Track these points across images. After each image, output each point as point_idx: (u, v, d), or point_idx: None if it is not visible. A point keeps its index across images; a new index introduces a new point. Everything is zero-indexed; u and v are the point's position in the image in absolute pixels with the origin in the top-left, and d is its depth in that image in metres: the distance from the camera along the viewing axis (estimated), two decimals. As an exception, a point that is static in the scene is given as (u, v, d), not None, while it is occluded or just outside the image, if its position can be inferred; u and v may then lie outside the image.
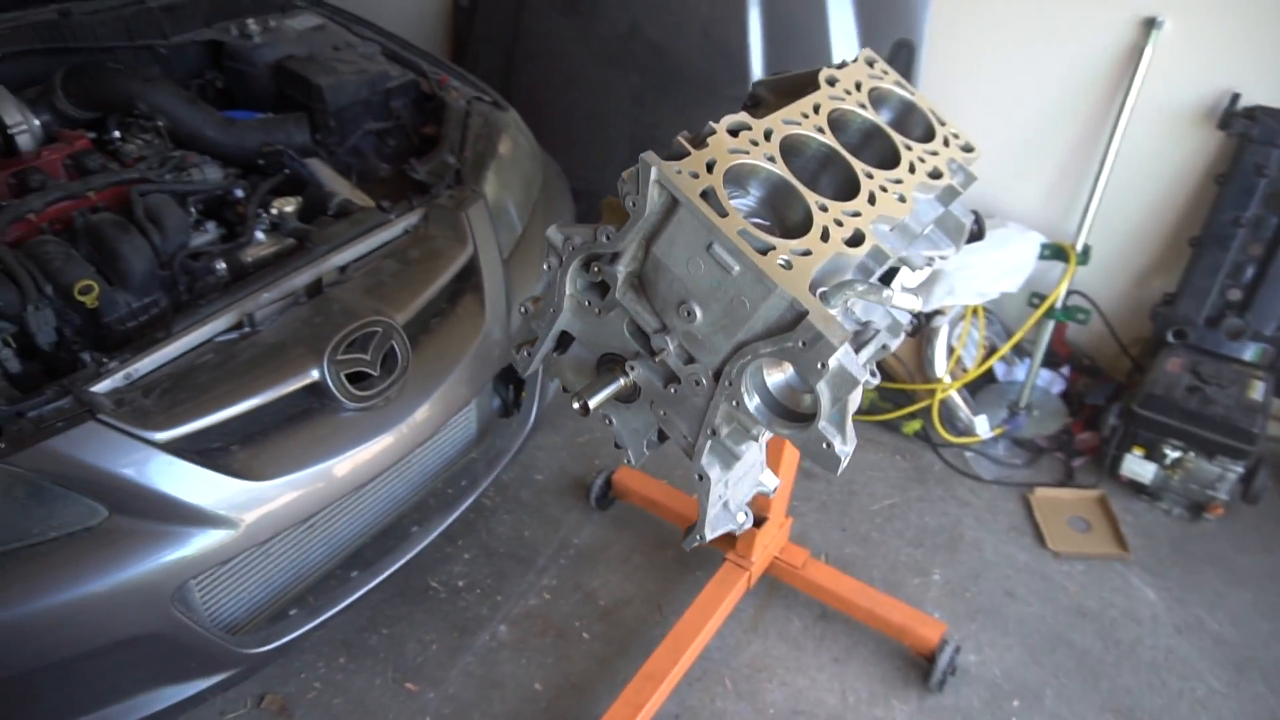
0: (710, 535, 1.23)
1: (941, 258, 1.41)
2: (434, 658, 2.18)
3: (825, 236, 1.04)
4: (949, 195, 1.27)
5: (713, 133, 1.08)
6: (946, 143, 1.32)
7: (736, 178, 1.09)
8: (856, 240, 1.07)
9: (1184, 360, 2.64)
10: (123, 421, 1.55)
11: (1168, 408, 2.52)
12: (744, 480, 1.29)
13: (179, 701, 1.76)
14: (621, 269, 1.09)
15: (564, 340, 1.25)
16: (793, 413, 1.06)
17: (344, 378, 1.78)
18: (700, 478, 1.17)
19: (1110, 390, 2.85)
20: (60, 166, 2.07)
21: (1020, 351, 2.94)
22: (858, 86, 1.30)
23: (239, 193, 2.19)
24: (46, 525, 1.52)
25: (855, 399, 1.02)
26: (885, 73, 1.37)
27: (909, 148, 1.26)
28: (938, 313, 2.76)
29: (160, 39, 2.51)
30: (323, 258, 1.94)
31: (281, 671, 2.13)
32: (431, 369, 1.93)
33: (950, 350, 2.77)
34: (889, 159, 1.24)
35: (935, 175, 1.25)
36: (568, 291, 1.16)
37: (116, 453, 1.54)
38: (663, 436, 1.24)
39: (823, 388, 0.98)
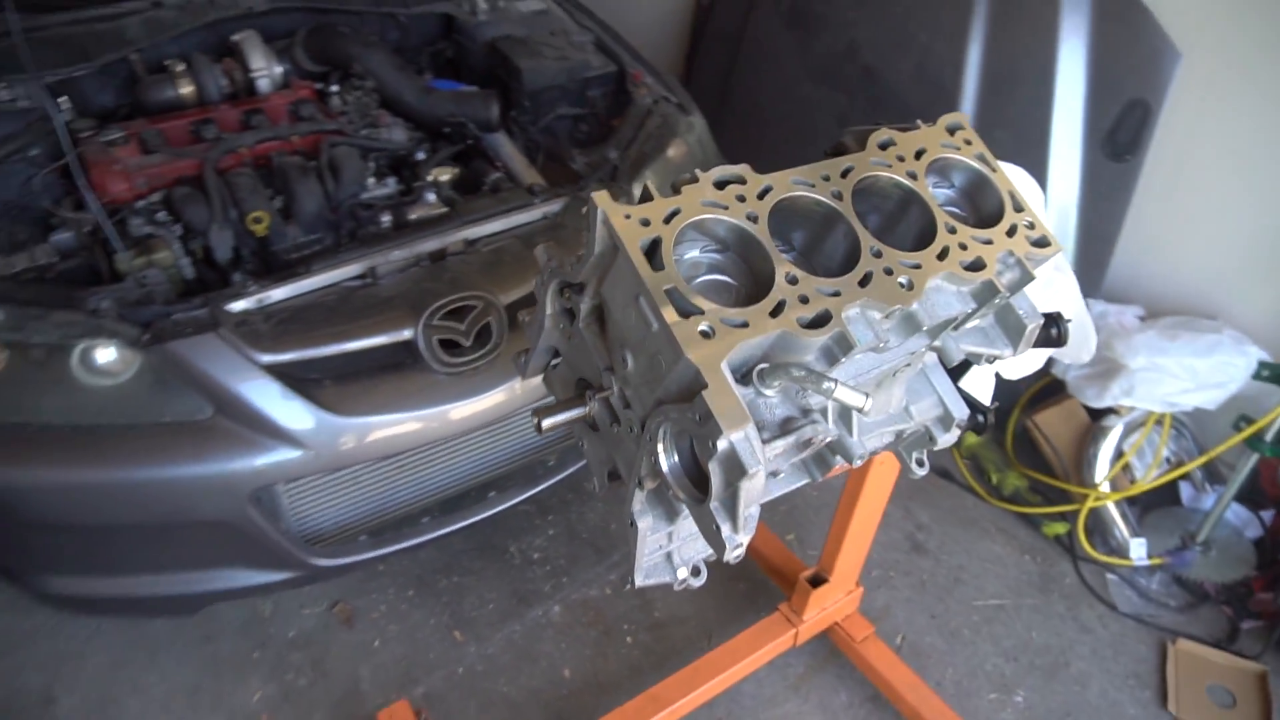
0: (641, 582, 1.21)
1: (994, 358, 1.26)
2: (487, 616, 2.30)
3: (776, 311, 0.97)
4: (986, 292, 1.12)
5: (693, 181, 1.04)
6: (1013, 232, 1.16)
7: (712, 234, 1.04)
8: (820, 322, 0.98)
9: None
10: (237, 339, 1.79)
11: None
12: (699, 537, 1.24)
13: (251, 586, 2.01)
14: (585, 301, 1.09)
15: (559, 353, 1.28)
16: (704, 483, 1.01)
17: (437, 342, 1.91)
18: (631, 524, 1.14)
19: (1321, 553, 2.36)
20: (283, 110, 2.39)
21: (1216, 478, 2.51)
22: (918, 154, 1.18)
23: (420, 155, 2.41)
24: (163, 410, 1.79)
25: (753, 490, 0.95)
26: (968, 142, 1.23)
27: (953, 230, 1.13)
28: (1111, 411, 2.42)
29: (401, 7, 2.79)
30: (456, 228, 2.09)
31: (358, 587, 2.36)
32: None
33: (1118, 455, 2.43)
34: (927, 237, 1.13)
35: (975, 267, 1.11)
36: (548, 310, 1.17)
37: (225, 364, 1.78)
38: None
39: (714, 468, 0.93)
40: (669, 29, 3.74)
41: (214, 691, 2.13)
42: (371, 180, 2.28)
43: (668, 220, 1.00)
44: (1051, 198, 2.53)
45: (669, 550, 1.22)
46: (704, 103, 3.43)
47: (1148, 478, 2.42)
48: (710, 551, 1.27)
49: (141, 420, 1.78)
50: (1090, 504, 2.42)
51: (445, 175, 2.27)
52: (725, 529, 0.97)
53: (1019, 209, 1.19)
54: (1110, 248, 2.55)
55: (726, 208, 1.03)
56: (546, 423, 1.17)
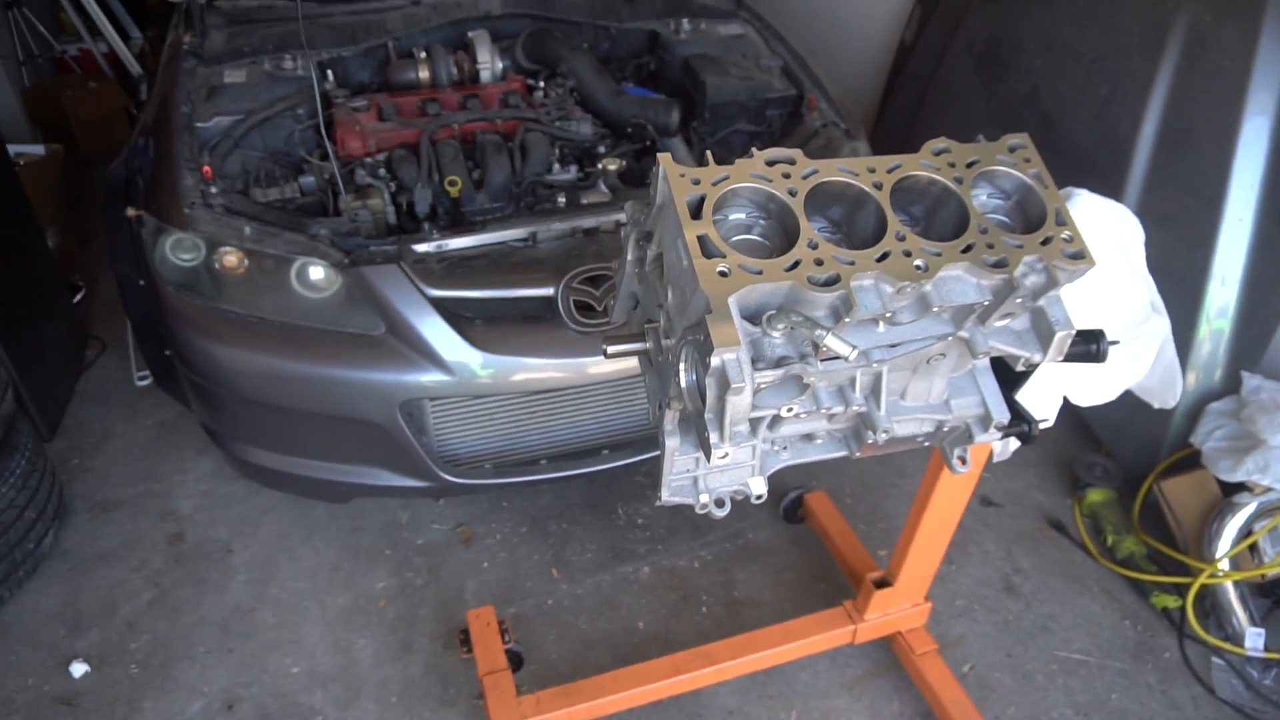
0: (666, 498, 1.40)
1: (1030, 362, 1.35)
2: (583, 563, 2.55)
3: (792, 267, 1.15)
4: (1005, 288, 1.23)
5: (749, 156, 1.24)
6: (1048, 241, 1.26)
7: (754, 201, 1.23)
8: (829, 283, 1.15)
9: None
10: (412, 273, 2.16)
11: None
12: (726, 472, 1.42)
13: (390, 486, 2.38)
14: (653, 247, 1.31)
15: (638, 301, 1.50)
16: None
17: (573, 303, 2.20)
18: (660, 441, 1.34)
19: None
20: (496, 98, 2.79)
21: (1366, 585, 2.30)
22: (970, 164, 1.31)
23: (601, 149, 2.73)
24: (350, 322, 2.19)
25: (739, 405, 1.13)
26: (1027, 160, 1.34)
27: (984, 230, 1.24)
28: (1244, 488, 2.30)
29: (615, 21, 3.15)
30: (611, 210, 2.37)
31: (482, 515, 2.68)
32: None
33: (1245, 535, 2.30)
34: (960, 233, 1.25)
35: (999, 265, 1.23)
36: (628, 257, 1.41)
37: (400, 291, 2.15)
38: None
39: (710, 383, 1.12)
40: (872, 67, 3.88)
41: (349, 572, 2.52)
42: (556, 165, 2.62)
43: (716, 184, 1.20)
44: (1217, 263, 2.44)
45: (696, 475, 1.41)
46: (890, 138, 3.57)
47: (1274, 563, 2.27)
48: (737, 487, 1.45)
49: (332, 327, 2.18)
50: (1205, 579, 2.31)
51: (613, 165, 2.56)
52: (714, 437, 1.16)
53: (1062, 223, 1.28)
54: (1275, 321, 2.42)
55: (770, 181, 1.23)
56: (611, 349, 1.40)
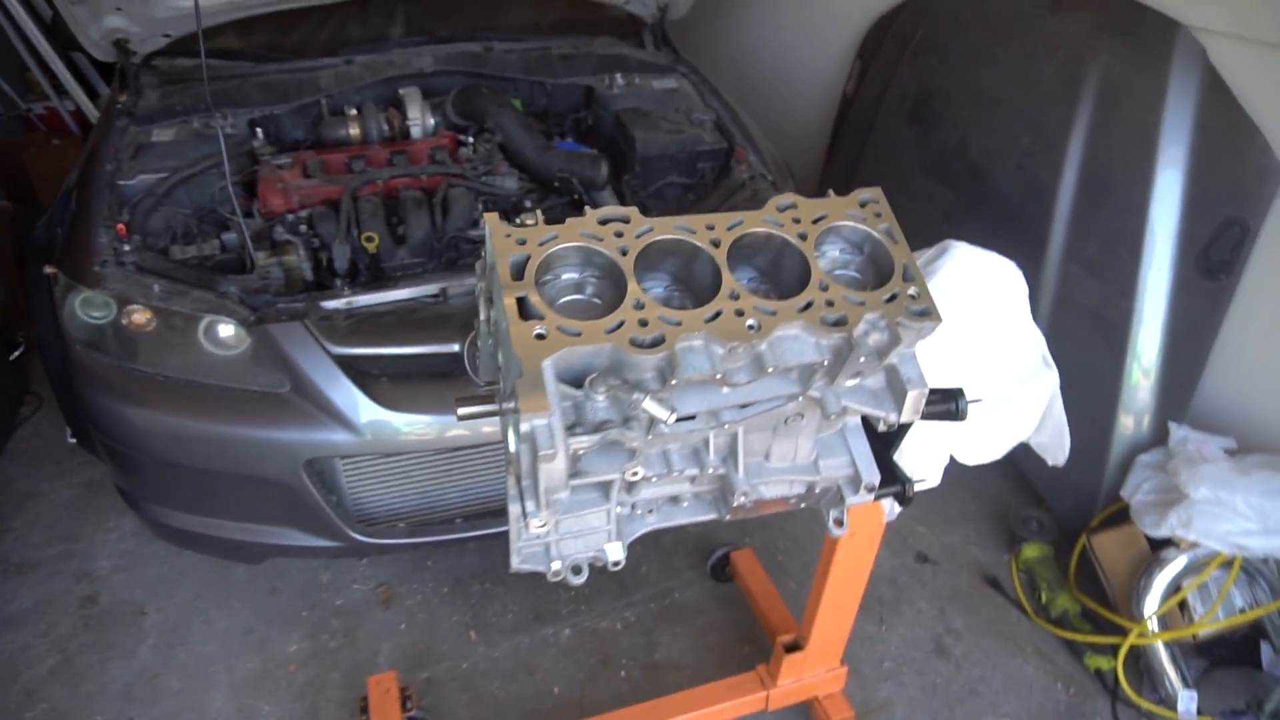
0: (516, 565, 1.35)
1: (888, 422, 1.31)
2: (503, 624, 2.48)
3: (616, 328, 1.12)
4: (844, 348, 1.20)
5: (580, 215, 1.22)
6: (893, 299, 1.23)
7: (590, 262, 1.21)
8: (653, 344, 1.12)
9: None
10: (317, 330, 2.14)
11: None
12: (581, 537, 1.37)
13: (301, 546, 2.32)
14: (493, 308, 1.28)
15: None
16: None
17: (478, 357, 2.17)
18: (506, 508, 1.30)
19: None
20: (424, 154, 2.80)
21: (1303, 643, 2.23)
22: (817, 219, 1.29)
23: (527, 203, 2.73)
24: (256, 380, 2.15)
25: (551, 472, 1.09)
26: (878, 215, 1.32)
27: (825, 287, 1.22)
28: (1171, 543, 2.24)
29: (550, 77, 3.17)
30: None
31: (404, 575, 2.62)
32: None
33: (1174, 591, 2.24)
34: (801, 290, 1.23)
35: (839, 323, 1.20)
36: (480, 317, 1.38)
37: (303, 349, 2.12)
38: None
39: (523, 449, 1.08)
40: (817, 119, 3.91)
41: (262, 635, 2.45)
42: (482, 220, 2.61)
43: (543, 244, 1.18)
44: (1143, 310, 2.42)
45: (548, 541, 1.36)
46: (834, 187, 3.57)
47: (1203, 622, 2.20)
48: (593, 553, 1.41)
49: (238, 385, 2.15)
50: (1133, 639, 2.23)
51: (530, 220, 2.54)
52: (529, 505, 1.12)
53: (909, 279, 1.25)
54: (1199, 369, 2.39)
55: (602, 240, 1.20)
56: (461, 411, 1.37)
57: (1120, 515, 2.45)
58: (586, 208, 1.24)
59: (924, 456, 1.60)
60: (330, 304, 2.22)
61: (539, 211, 2.37)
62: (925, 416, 1.32)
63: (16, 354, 3.45)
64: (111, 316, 2.18)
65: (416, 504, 2.35)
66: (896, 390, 1.29)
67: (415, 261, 2.49)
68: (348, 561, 2.65)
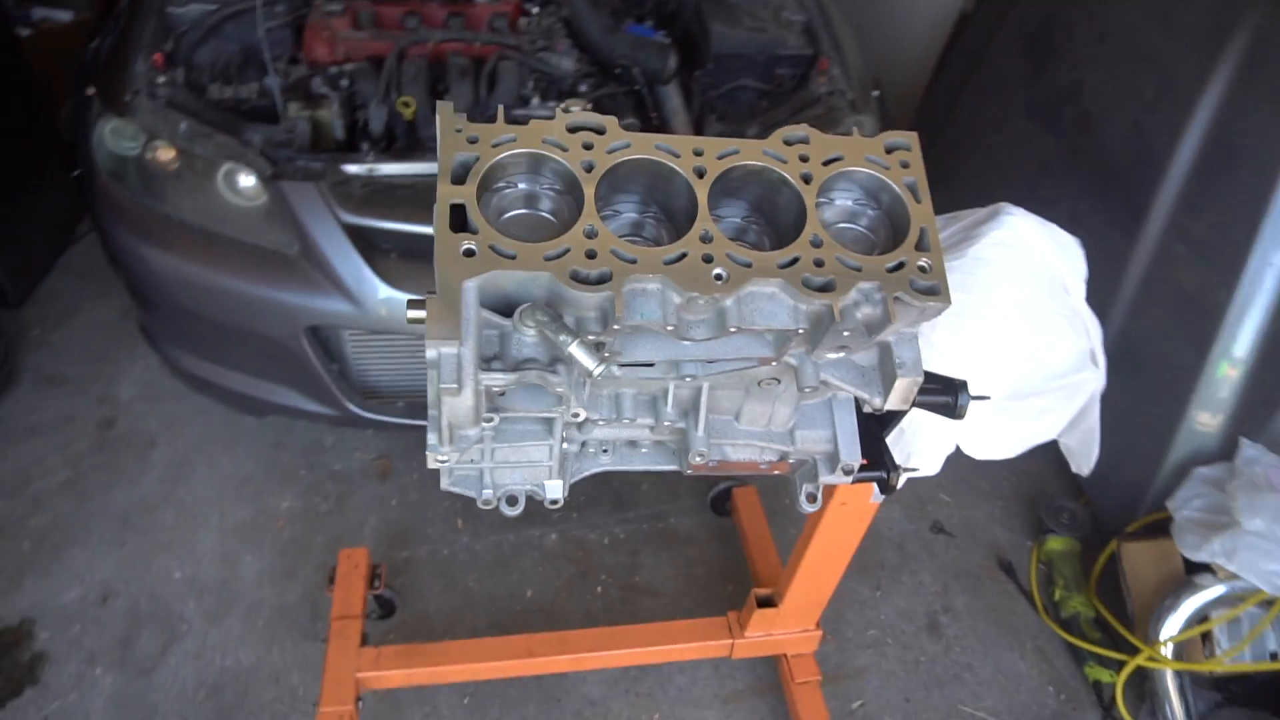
0: (445, 485, 1.26)
1: (872, 405, 1.15)
2: (491, 519, 2.45)
3: (557, 256, 0.98)
4: (824, 318, 1.03)
5: (550, 118, 1.06)
6: (898, 268, 1.05)
7: (544, 171, 1.06)
8: (597, 280, 0.98)
9: None
10: (330, 194, 2.04)
11: None
12: (518, 469, 1.27)
13: (300, 409, 2.31)
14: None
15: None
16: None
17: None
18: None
19: None
20: (482, 19, 2.62)
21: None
22: (830, 160, 1.10)
23: (583, 87, 2.54)
24: (267, 237, 2.09)
25: (455, 406, 0.98)
26: (905, 165, 1.11)
27: (819, 243, 1.04)
28: (1208, 569, 2.03)
29: (639, -47, 2.91)
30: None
31: (408, 450, 2.60)
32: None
33: (1199, 620, 2.04)
34: (787, 238, 1.06)
35: (826, 288, 1.03)
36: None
37: (314, 212, 2.04)
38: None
39: (431, 375, 0.97)
40: (928, 38, 3.54)
41: (259, 487, 2.48)
42: (537, 99, 2.44)
43: (496, 145, 1.03)
44: (1244, 302, 2.13)
45: (483, 467, 1.27)
46: (933, 118, 3.26)
47: (1223, 659, 2.01)
48: (530, 487, 1.31)
49: (249, 239, 2.09)
50: (1142, 660, 2.06)
51: (575, 106, 2.36)
52: (431, 437, 1.01)
53: (924, 248, 1.07)
54: (1290, 385, 2.11)
55: (567, 150, 1.05)
56: (410, 314, 1.26)
57: (1160, 526, 2.23)
58: (560, 109, 1.08)
59: (925, 441, 1.43)
60: (351, 168, 2.11)
61: (587, 102, 2.18)
62: (918, 406, 1.15)
63: (78, 172, 3.49)
64: (137, 150, 2.13)
65: (420, 384, 2.30)
66: (887, 372, 1.12)
67: (454, 134, 2.35)
68: (354, 429, 2.65)
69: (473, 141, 1.03)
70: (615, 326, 0.99)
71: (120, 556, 2.28)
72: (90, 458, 2.51)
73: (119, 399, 2.68)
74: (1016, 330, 1.34)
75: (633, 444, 1.35)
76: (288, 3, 2.52)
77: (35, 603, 2.17)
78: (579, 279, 0.97)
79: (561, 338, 0.96)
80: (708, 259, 1.01)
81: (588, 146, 1.05)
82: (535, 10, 2.67)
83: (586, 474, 1.37)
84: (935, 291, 1.04)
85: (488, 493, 1.27)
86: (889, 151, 1.12)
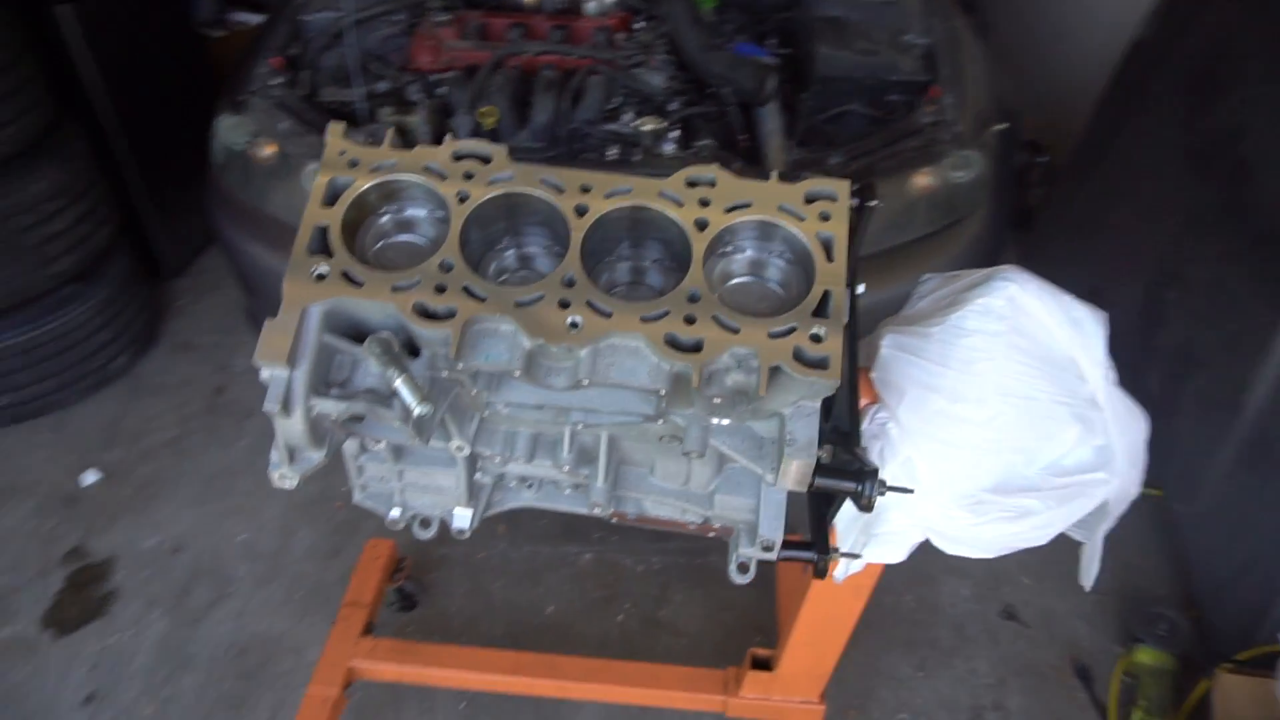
0: (358, 499, 1.27)
1: (766, 482, 1.03)
2: (533, 529, 2.45)
3: (406, 287, 0.95)
4: (681, 383, 0.92)
5: (436, 144, 1.03)
6: (783, 334, 0.93)
7: (420, 194, 1.03)
8: (438, 315, 0.94)
9: None
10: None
11: None
12: (427, 493, 1.26)
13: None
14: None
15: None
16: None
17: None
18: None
19: None
20: (587, 32, 2.62)
21: None
22: (737, 206, 0.99)
23: (675, 105, 2.49)
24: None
25: (286, 428, 0.97)
26: (824, 217, 0.98)
27: (695, 297, 0.94)
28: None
29: (759, -32, 2.82)
30: (627, 171, 2.16)
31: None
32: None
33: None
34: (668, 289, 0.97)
35: (692, 348, 0.93)
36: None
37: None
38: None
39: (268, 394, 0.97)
40: (1095, 68, 3.17)
41: (329, 466, 2.60)
42: (629, 114, 2.42)
43: (375, 170, 1.02)
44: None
45: (394, 486, 1.26)
46: (1087, 153, 2.92)
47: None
48: (442, 512, 1.29)
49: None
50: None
51: (648, 125, 2.31)
52: (273, 454, 1.01)
53: (823, 314, 0.94)
54: None
55: (445, 178, 1.01)
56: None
57: (1270, 660, 1.87)
58: (450, 135, 1.05)
59: (892, 524, 1.26)
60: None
61: (662, 119, 2.09)
62: (820, 490, 1.02)
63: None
64: (244, 145, 2.31)
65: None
66: (766, 449, 1.00)
67: (535, 146, 2.37)
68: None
69: (353, 165, 1.02)
70: (460, 366, 0.95)
71: (198, 514, 2.49)
72: (197, 419, 2.76)
73: (233, 369, 2.93)
74: (998, 414, 1.16)
75: (556, 483, 1.29)
76: (408, 12, 2.65)
77: (121, 544, 2.41)
78: (423, 312, 0.94)
79: (390, 371, 0.93)
80: (565, 304, 0.94)
81: (468, 175, 1.02)
82: (640, 24, 2.65)
83: (508, 507, 1.33)
84: (824, 365, 0.92)
85: (395, 512, 1.27)
86: (809, 201, 1.00)
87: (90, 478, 2.57)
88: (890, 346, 1.22)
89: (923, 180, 2.24)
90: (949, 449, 1.16)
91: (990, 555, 1.24)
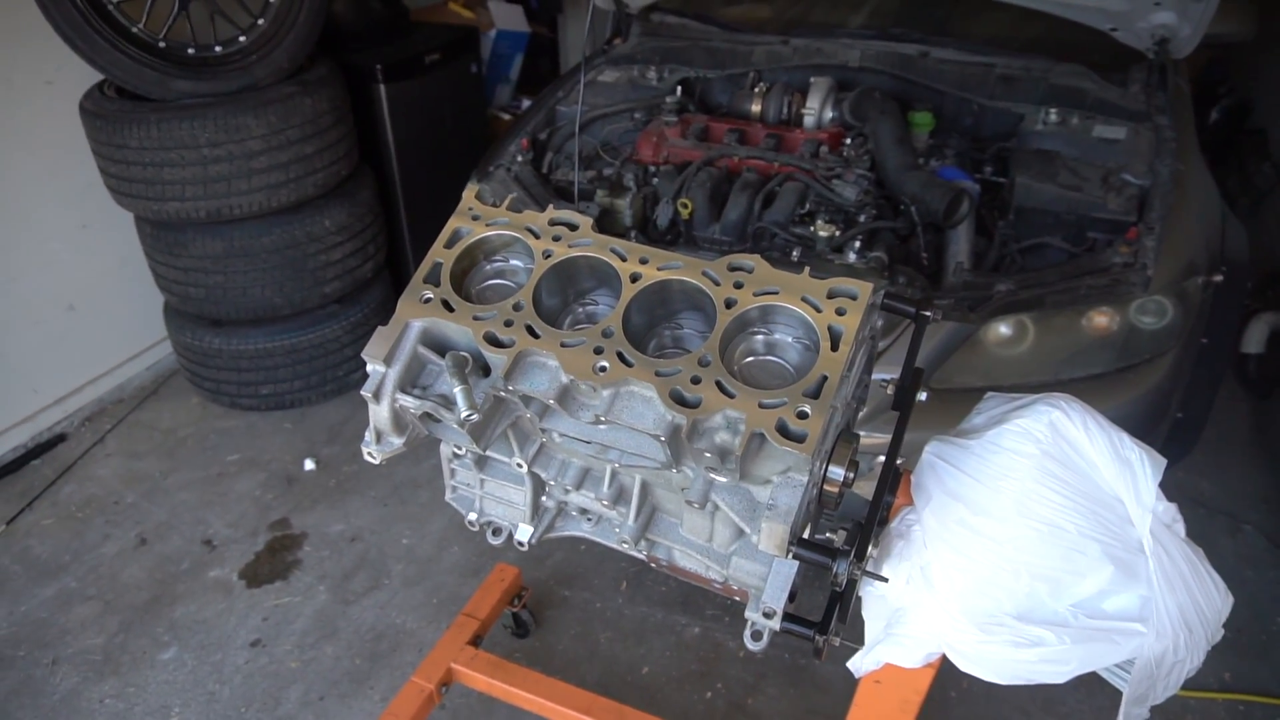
0: (449, 497, 1.49)
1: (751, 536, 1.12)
2: (653, 593, 2.57)
3: (483, 319, 1.16)
4: (674, 432, 1.04)
5: (541, 210, 1.25)
6: (771, 406, 1.03)
7: (518, 249, 1.25)
8: (500, 344, 1.14)
9: None
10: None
11: None
12: (500, 504, 1.44)
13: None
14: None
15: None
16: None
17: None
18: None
19: None
20: (798, 144, 2.82)
21: None
22: (766, 292, 1.11)
23: (863, 217, 2.59)
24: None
25: (376, 413, 1.19)
26: (840, 312, 1.07)
27: (705, 362, 1.07)
28: None
29: (984, 97, 2.88)
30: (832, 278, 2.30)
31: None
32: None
33: None
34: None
35: (690, 403, 1.05)
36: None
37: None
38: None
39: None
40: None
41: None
42: (821, 219, 2.56)
43: (490, 225, 1.25)
44: None
45: (478, 494, 1.46)
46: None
47: None
48: (503, 517, 1.47)
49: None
50: None
51: (824, 231, 2.42)
52: (368, 434, 1.25)
53: (811, 395, 1.04)
54: None
55: (538, 237, 1.22)
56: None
57: None
58: (554, 204, 1.26)
59: (913, 628, 1.27)
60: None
61: (836, 228, 2.22)
62: (798, 559, 1.09)
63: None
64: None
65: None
66: (751, 513, 1.09)
67: (724, 239, 2.58)
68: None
69: (475, 218, 1.27)
70: (510, 387, 1.14)
71: (379, 513, 2.87)
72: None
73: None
74: (1018, 535, 1.14)
75: (609, 520, 1.43)
76: (647, 111, 3.00)
77: (315, 524, 2.84)
78: (490, 340, 1.15)
79: (453, 380, 1.14)
80: (599, 350, 1.11)
81: (556, 239, 1.22)
82: (850, 140, 2.79)
83: (563, 534, 1.49)
84: (801, 439, 1.01)
85: (473, 515, 1.47)
86: (831, 296, 1.10)
87: (309, 465, 3.06)
88: (932, 453, 1.25)
89: (1099, 319, 2.18)
90: (966, 560, 1.18)
91: (1002, 681, 1.21)
